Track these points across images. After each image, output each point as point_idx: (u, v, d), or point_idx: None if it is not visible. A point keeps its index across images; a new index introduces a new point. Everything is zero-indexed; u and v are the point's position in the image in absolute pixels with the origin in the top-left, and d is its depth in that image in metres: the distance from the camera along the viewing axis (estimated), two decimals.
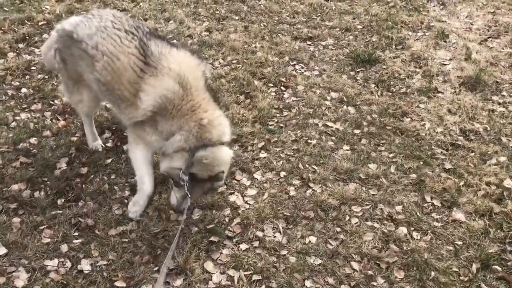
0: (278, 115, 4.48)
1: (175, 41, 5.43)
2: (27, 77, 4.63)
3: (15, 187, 3.35)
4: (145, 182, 3.16)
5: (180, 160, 2.94)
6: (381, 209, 3.46)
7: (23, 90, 4.43)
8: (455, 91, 4.90)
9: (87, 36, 3.09)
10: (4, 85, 4.47)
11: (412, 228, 3.32)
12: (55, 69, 3.56)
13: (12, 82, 4.52)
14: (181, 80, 2.91)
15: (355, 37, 5.95)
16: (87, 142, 3.81)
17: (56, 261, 2.89)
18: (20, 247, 2.94)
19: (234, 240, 3.15)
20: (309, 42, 5.79)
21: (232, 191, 3.56)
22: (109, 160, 3.71)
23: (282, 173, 3.75)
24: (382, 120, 4.45)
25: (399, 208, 3.47)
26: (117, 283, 2.77)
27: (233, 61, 5.23)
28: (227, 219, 3.30)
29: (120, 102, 3.09)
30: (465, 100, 4.74)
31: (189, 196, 2.89)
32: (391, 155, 4.02)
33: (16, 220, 3.12)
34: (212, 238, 3.13)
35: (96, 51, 3.05)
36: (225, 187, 3.53)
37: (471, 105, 4.68)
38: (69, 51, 3.24)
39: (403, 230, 3.29)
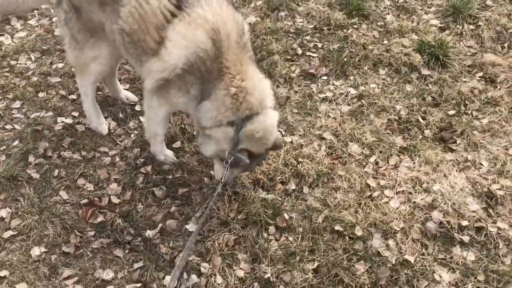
0: None
1: None
2: None
3: None
4: (159, 133, 2.93)
5: (225, 140, 2.57)
6: None
7: None
8: None
9: None
10: None
11: None
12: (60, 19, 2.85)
13: None
14: (216, 35, 2.42)
15: None
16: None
17: None
18: None
19: None
20: None
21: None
22: None
23: None
24: None
25: None
26: None
27: None
28: None
29: (142, 55, 2.61)
30: None
31: (224, 178, 2.66)
32: None
33: None
34: None
35: None
36: None
37: None
38: None
39: None
